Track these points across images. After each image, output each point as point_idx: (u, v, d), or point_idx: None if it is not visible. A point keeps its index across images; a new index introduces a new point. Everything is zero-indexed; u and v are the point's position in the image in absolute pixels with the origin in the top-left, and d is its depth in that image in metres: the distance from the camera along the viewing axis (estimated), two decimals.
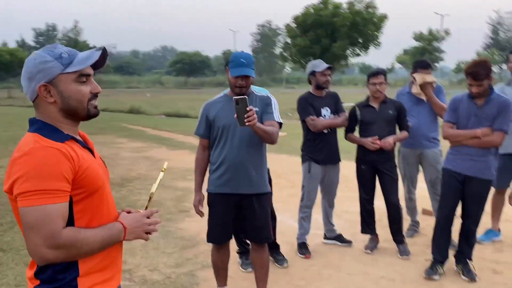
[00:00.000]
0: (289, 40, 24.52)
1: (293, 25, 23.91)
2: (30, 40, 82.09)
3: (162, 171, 1.68)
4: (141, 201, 5.86)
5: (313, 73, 4.05)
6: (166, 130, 14.27)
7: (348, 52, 24.28)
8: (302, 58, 23.98)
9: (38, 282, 1.37)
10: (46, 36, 78.85)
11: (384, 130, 3.93)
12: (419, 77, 4.14)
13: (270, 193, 3.05)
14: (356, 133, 4.17)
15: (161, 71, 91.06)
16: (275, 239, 3.97)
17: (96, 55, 1.44)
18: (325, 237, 4.42)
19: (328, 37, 22.86)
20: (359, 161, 4.12)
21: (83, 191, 1.38)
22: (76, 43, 45.15)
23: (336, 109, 4.12)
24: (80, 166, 1.36)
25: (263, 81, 72.14)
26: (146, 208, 1.59)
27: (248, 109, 2.50)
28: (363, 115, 4.03)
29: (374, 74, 3.96)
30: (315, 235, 4.54)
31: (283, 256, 3.93)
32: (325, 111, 4.05)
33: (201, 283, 3.52)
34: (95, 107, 1.49)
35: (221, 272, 3.17)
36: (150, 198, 1.61)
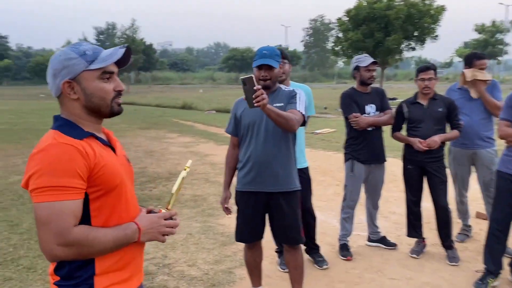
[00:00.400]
0: (340, 34, 23.99)
1: (345, 19, 23.32)
2: (91, 38, 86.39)
3: (184, 169, 1.62)
4: (184, 196, 5.94)
5: (357, 68, 3.90)
6: (214, 126, 14.46)
7: (402, 46, 23.35)
8: (354, 53, 23.40)
9: (58, 278, 1.38)
10: (106, 35, 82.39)
11: (433, 128, 3.70)
12: (470, 73, 3.85)
13: (300, 191, 2.94)
14: (404, 132, 3.97)
15: (213, 68, 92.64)
16: (314, 239, 3.87)
17: (120, 53, 1.43)
18: (369, 239, 4.25)
19: (381, 30, 22.10)
20: (406, 160, 3.92)
21: (99, 188, 1.37)
22: (133, 41, 46.71)
23: (382, 106, 3.94)
24: (97, 163, 1.35)
25: (315, 76, 71.45)
26: (167, 207, 1.55)
27: (255, 88, 2.34)
28: (410, 112, 3.82)
29: (423, 69, 3.74)
30: (359, 237, 4.39)
31: (323, 257, 3.82)
32: (370, 108, 3.89)
33: (237, 281, 3.50)
34: (119, 104, 1.48)
35: (254, 271, 3.12)
36: (172, 197, 1.56)
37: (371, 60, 3.83)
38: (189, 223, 4.82)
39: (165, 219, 1.49)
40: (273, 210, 2.87)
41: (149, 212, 1.54)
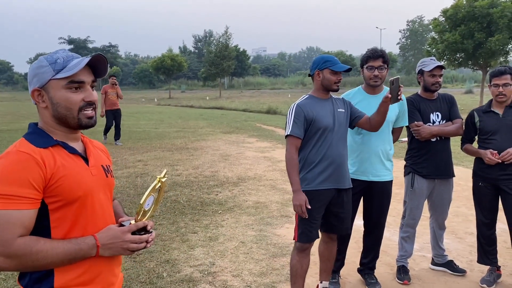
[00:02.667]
0: (436, 36, 22.40)
1: (442, 19, 21.73)
2: (190, 46, 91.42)
3: (157, 180, 1.45)
4: (248, 202, 5.89)
5: (421, 72, 3.54)
6: None
7: (509, 46, 21.12)
8: (450, 55, 21.72)
9: (22, 287, 1.37)
10: (203, 42, 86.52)
11: (509, 141, 3.22)
12: None
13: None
14: (476, 144, 3.52)
15: (305, 72, 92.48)
16: (375, 259, 3.58)
17: (84, 62, 1.38)
18: (433, 263, 3.83)
19: (483, 30, 20.21)
20: (477, 177, 3.46)
21: (58, 199, 1.33)
22: (226, 47, 48.33)
23: (450, 114, 3.53)
24: (54, 174, 1.31)
25: (412, 80, 68.06)
26: (136, 219, 1.44)
27: (400, 86, 2.76)
28: (482, 122, 3.36)
29: (496, 73, 3.26)
30: (423, 259, 3.98)
31: (376, 279, 3.50)
32: (435, 117, 3.50)
33: None
34: (89, 117, 1.42)
35: (298, 280, 2.96)
36: (140, 209, 1.43)
37: (436, 64, 3.46)
38: (244, 231, 4.75)
39: (133, 233, 1.41)
40: (335, 205, 3.01)
41: (120, 224, 1.46)
